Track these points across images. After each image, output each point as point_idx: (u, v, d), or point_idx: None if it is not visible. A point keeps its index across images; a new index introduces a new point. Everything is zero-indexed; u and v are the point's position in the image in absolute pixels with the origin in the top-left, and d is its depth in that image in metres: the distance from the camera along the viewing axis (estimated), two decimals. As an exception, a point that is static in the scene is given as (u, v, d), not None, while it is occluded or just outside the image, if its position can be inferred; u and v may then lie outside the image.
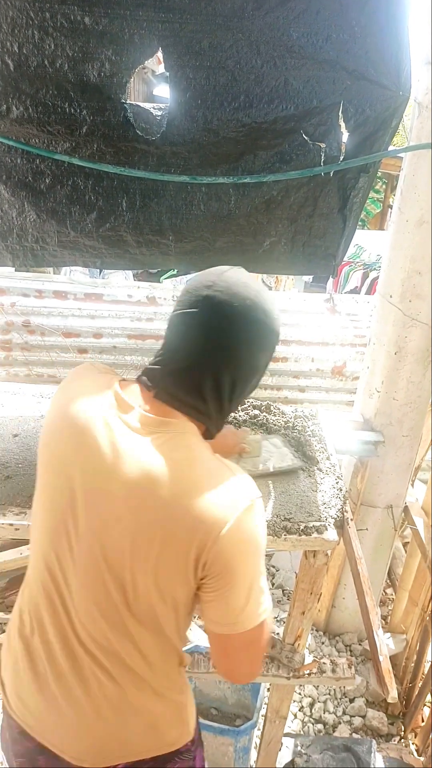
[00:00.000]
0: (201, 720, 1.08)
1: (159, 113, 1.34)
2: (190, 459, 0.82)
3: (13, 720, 0.94)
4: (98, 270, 3.61)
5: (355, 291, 6.02)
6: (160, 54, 1.28)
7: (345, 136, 1.40)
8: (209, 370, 0.83)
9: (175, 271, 3.69)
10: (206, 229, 1.51)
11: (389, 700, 1.24)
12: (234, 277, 0.85)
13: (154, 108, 1.34)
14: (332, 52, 1.35)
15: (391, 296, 1.71)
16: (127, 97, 1.31)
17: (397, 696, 1.56)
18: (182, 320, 0.83)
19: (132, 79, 1.34)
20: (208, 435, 0.89)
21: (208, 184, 1.42)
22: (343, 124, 1.40)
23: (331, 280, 6.68)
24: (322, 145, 1.40)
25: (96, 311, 2.27)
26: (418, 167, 1.52)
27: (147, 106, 1.34)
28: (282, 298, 2.58)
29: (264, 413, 1.66)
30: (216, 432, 0.91)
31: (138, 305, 2.32)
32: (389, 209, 8.87)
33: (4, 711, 0.96)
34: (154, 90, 6.61)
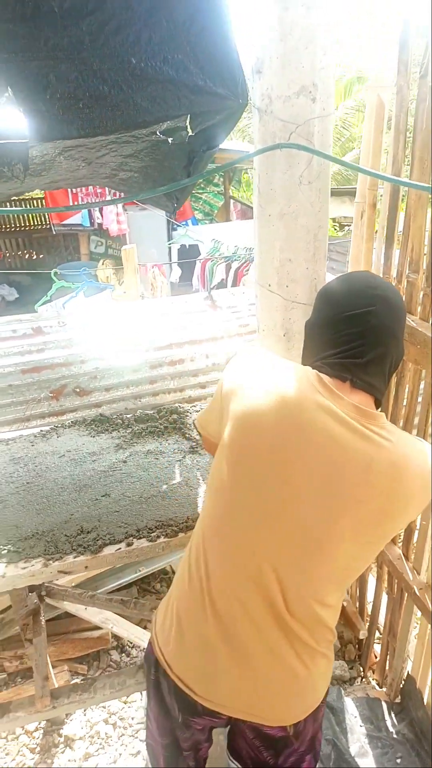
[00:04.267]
0: None
1: (19, 151, 1.38)
2: (420, 448, 0.99)
3: (191, 699, 1.07)
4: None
5: (222, 284, 6.21)
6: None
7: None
8: (391, 355, 1.02)
9: (48, 296, 3.63)
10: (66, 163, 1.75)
11: (361, 636, 1.43)
12: (380, 279, 1.08)
13: (15, 146, 1.37)
14: (171, 71, 1.46)
15: (269, 285, 1.85)
16: (-17, 138, 1.33)
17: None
18: (362, 318, 1.00)
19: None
20: (377, 405, 1.05)
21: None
22: (189, 129, 1.57)
23: (197, 276, 6.88)
24: (170, 140, 1.64)
25: (-18, 353, 2.20)
26: (269, 166, 1.65)
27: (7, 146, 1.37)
28: (165, 303, 2.65)
29: (179, 416, 1.74)
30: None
31: (25, 338, 2.28)
32: (231, 200, 9.31)
33: (178, 695, 1.09)
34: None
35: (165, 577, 2.77)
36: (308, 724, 1.10)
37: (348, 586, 1.07)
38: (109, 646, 2.32)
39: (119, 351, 2.44)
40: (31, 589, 1.71)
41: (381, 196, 1.79)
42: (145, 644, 2.11)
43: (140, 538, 1.28)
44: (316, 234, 1.77)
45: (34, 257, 9.82)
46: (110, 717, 2.06)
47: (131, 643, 2.37)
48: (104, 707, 2.08)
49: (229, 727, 1.20)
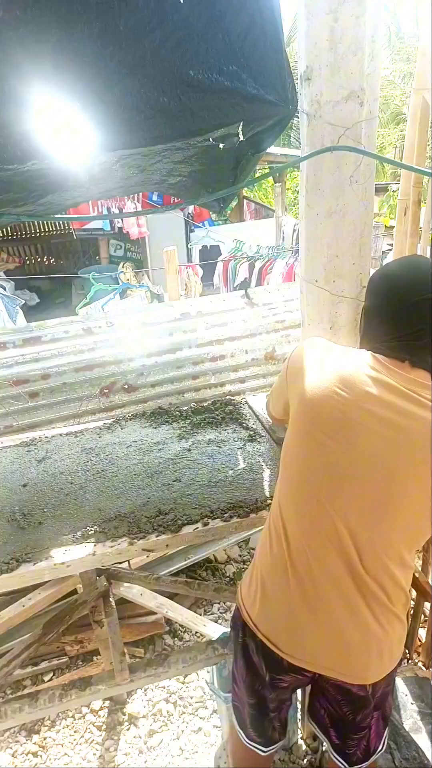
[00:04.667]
0: None
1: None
2: None
3: (277, 657, 1.16)
4: (14, 312, 3.58)
5: (246, 283, 6.27)
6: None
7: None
8: None
9: (88, 299, 3.75)
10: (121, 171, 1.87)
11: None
12: None
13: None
14: (226, 82, 1.55)
15: (316, 281, 1.93)
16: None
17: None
18: (424, 305, 1.09)
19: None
20: None
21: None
22: (241, 134, 1.66)
23: (218, 275, 6.99)
24: (221, 145, 1.70)
25: (39, 353, 2.30)
26: (317, 168, 1.73)
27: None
28: (205, 302, 2.75)
29: (234, 407, 1.83)
30: None
31: (77, 338, 2.39)
32: (244, 200, 9.42)
33: (265, 653, 1.17)
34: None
35: (209, 565, 2.86)
36: (383, 684, 1.18)
37: (419, 547, 1.16)
38: (163, 631, 2.43)
39: (163, 349, 2.54)
40: (99, 573, 1.82)
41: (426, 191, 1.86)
42: (197, 627, 2.20)
43: (215, 518, 1.37)
44: (362, 231, 1.84)
45: (53, 262, 9.96)
46: (170, 696, 2.16)
47: (183, 628, 2.47)
48: (164, 687, 2.18)
49: (310, 688, 1.28)
